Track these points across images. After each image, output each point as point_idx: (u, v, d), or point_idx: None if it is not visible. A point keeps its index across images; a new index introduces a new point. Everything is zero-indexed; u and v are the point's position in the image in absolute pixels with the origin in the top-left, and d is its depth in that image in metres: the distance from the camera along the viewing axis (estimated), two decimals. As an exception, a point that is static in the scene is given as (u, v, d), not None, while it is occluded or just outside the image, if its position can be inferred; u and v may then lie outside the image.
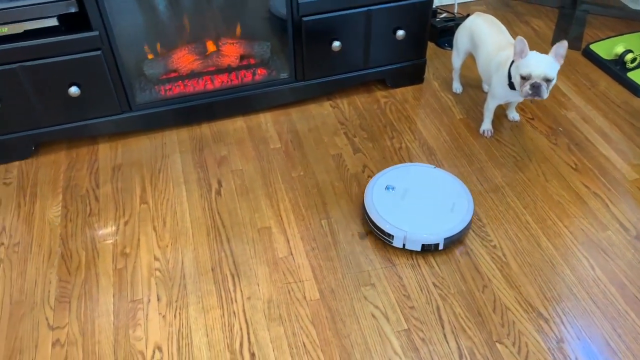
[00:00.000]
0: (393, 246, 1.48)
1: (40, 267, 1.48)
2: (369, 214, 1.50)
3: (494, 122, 1.86)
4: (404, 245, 1.46)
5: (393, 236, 1.45)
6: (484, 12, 1.88)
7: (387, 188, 1.53)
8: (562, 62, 1.57)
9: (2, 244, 1.55)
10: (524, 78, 1.58)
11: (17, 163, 1.80)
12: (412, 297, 1.38)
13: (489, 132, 1.84)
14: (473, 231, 1.53)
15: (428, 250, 1.46)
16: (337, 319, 1.34)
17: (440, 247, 1.45)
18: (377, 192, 1.54)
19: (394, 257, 1.47)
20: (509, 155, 1.77)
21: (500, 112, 1.92)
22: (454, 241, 1.48)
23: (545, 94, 1.59)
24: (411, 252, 1.48)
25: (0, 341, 1.32)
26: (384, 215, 1.47)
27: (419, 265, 1.45)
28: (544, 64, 1.56)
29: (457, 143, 1.82)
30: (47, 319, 1.36)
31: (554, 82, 1.60)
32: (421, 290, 1.40)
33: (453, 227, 1.46)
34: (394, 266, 1.45)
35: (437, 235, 1.44)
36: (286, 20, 1.76)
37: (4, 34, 1.54)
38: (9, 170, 1.78)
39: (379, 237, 1.50)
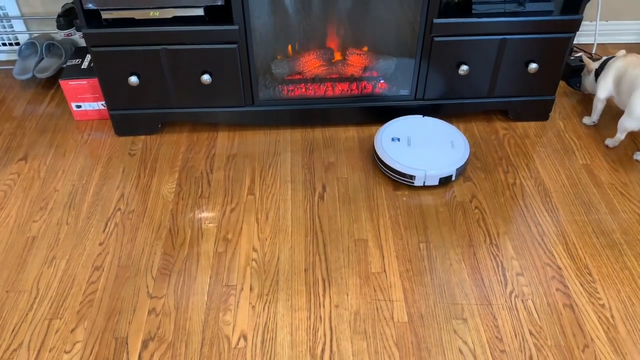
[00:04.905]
0: (490, 286, 1.42)
1: (149, 237, 1.58)
2: (388, 164, 1.71)
3: (621, 175, 1.74)
4: (424, 182, 1.69)
5: (415, 177, 1.68)
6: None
7: (392, 139, 1.77)
8: None
9: (119, 209, 1.66)
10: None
11: (143, 137, 1.93)
12: (504, 341, 1.32)
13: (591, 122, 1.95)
14: (581, 285, 1.43)
15: (444, 182, 1.70)
16: (422, 347, 1.31)
17: (453, 178, 1.71)
18: (386, 143, 1.77)
19: (492, 297, 1.41)
20: (633, 212, 1.64)
21: (634, 167, 1.78)
22: (463, 172, 1.75)
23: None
24: (510, 293, 1.41)
25: (105, 299, 1.42)
26: (401, 161, 1.70)
27: (517, 309, 1.38)
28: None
29: (575, 189, 1.72)
30: (147, 287, 1.45)
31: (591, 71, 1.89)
32: (515, 336, 1.33)
33: (459, 159, 1.71)
34: (490, 305, 1.39)
35: (450, 168, 1.69)
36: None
37: (156, 17, 1.67)
38: (135, 142, 1.91)
39: (398, 180, 1.72)
